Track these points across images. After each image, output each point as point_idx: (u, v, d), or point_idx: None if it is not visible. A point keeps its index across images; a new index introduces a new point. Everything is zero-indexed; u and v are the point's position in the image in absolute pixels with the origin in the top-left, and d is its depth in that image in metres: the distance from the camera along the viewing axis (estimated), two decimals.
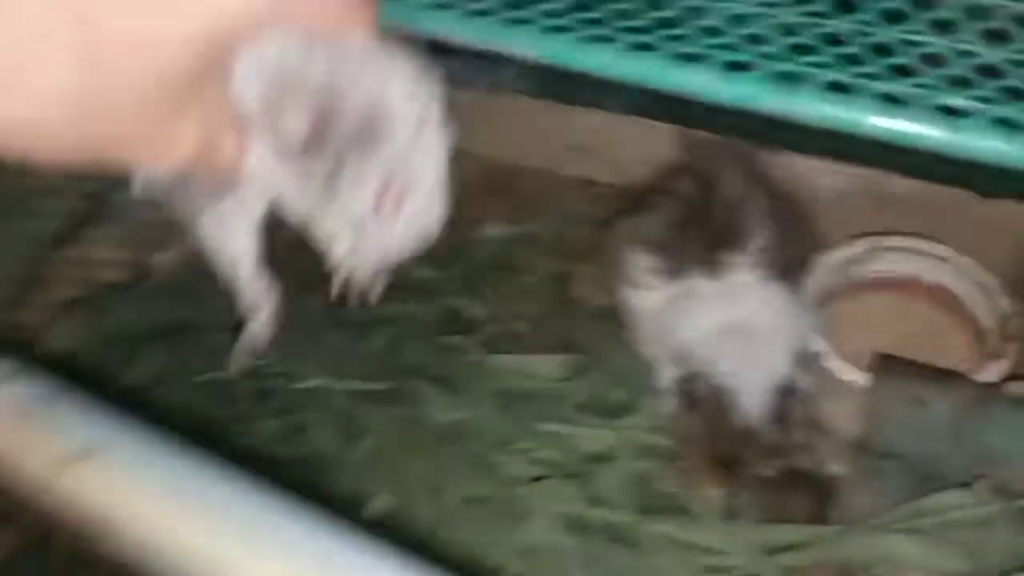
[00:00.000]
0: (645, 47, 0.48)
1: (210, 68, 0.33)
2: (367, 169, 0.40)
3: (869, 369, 0.80)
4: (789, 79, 0.44)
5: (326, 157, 0.38)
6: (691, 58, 0.46)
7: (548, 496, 0.76)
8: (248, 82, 0.36)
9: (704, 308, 0.82)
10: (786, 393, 0.78)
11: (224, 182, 0.39)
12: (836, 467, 0.86)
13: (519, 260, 1.11)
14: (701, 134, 0.95)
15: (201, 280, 1.07)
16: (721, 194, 0.85)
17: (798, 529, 0.72)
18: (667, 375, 0.85)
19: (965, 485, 0.65)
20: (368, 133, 0.39)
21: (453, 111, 0.41)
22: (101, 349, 1.02)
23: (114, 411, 0.42)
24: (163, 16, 0.30)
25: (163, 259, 1.11)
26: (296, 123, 0.38)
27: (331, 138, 0.38)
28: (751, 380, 0.78)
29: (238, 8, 0.32)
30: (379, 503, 0.78)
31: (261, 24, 0.34)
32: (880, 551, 0.65)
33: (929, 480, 0.68)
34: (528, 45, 0.49)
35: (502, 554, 0.73)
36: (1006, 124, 0.42)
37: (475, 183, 1.19)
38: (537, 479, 0.78)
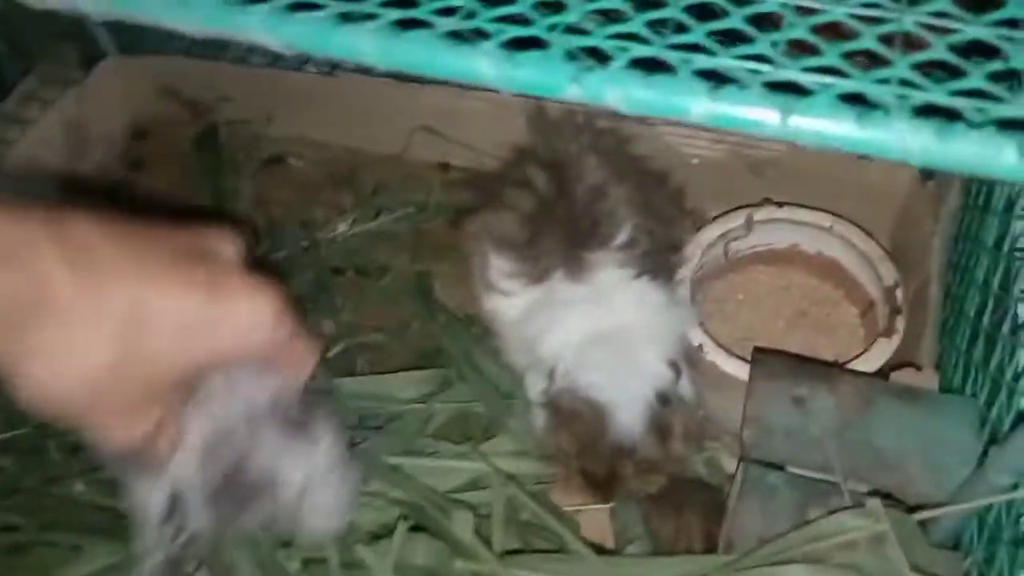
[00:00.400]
0: (410, 25, 0.36)
1: (184, 384, 0.49)
2: (268, 508, 0.56)
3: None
4: (589, 58, 0.34)
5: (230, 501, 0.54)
6: (468, 37, 0.35)
7: (401, 550, 0.66)
8: (192, 419, 0.53)
9: (569, 315, 0.72)
10: (664, 402, 0.69)
11: (154, 461, 0.53)
12: (729, 468, 0.79)
13: (372, 261, 0.99)
14: (555, 109, 0.84)
15: None
16: (578, 183, 0.75)
17: (685, 560, 0.64)
18: (536, 388, 0.75)
19: (858, 499, 0.58)
20: (263, 488, 0.55)
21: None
22: None
23: None
24: (180, 349, 0.44)
25: None
26: (212, 472, 0.54)
27: (235, 485, 0.54)
28: (625, 392, 0.69)
29: (223, 354, 0.46)
30: (199, 573, 0.66)
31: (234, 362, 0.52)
32: None
33: (819, 492, 0.60)
34: (262, 30, 0.37)
35: None
36: (856, 101, 0.32)
37: (317, 174, 1.06)
38: (388, 531, 0.67)
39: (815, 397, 0.63)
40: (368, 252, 0.99)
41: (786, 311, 0.89)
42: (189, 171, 1.07)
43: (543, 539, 0.71)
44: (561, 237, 0.75)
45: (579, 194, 0.75)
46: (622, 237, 0.74)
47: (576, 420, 0.69)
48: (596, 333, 0.71)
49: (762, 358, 0.67)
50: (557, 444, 0.71)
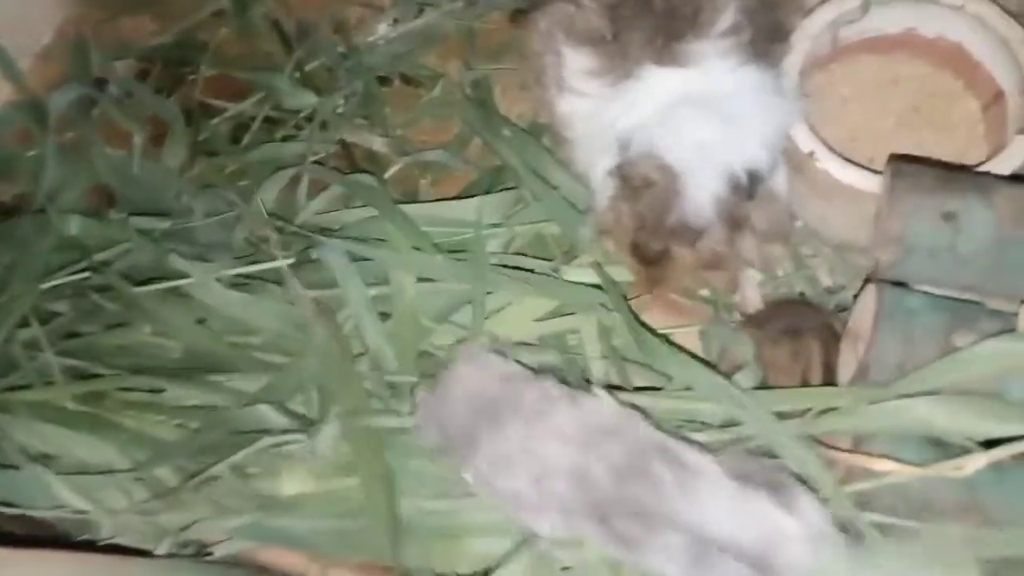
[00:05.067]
0: None
1: None
2: None
3: (879, 173, 0.64)
4: None
5: None
6: None
7: None
8: None
9: (655, 89, 0.63)
10: (750, 185, 0.61)
11: None
12: (834, 285, 0.73)
13: (421, 68, 0.88)
14: None
15: None
16: None
17: (819, 393, 0.59)
18: (606, 163, 0.66)
19: (1011, 323, 0.51)
20: None
21: None
22: None
23: None
24: None
25: None
26: None
27: None
28: (707, 163, 0.61)
29: None
30: None
31: None
32: (906, 417, 0.52)
33: (967, 315, 0.54)
34: None
35: None
36: None
37: None
38: None
39: (969, 212, 0.55)
40: (415, 57, 0.88)
41: (896, 107, 0.78)
42: None
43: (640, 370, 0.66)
44: (652, 27, 0.64)
45: None
46: (725, 22, 0.64)
47: (645, 189, 0.61)
48: (683, 98, 0.62)
49: (904, 168, 0.58)
50: (617, 215, 0.65)
